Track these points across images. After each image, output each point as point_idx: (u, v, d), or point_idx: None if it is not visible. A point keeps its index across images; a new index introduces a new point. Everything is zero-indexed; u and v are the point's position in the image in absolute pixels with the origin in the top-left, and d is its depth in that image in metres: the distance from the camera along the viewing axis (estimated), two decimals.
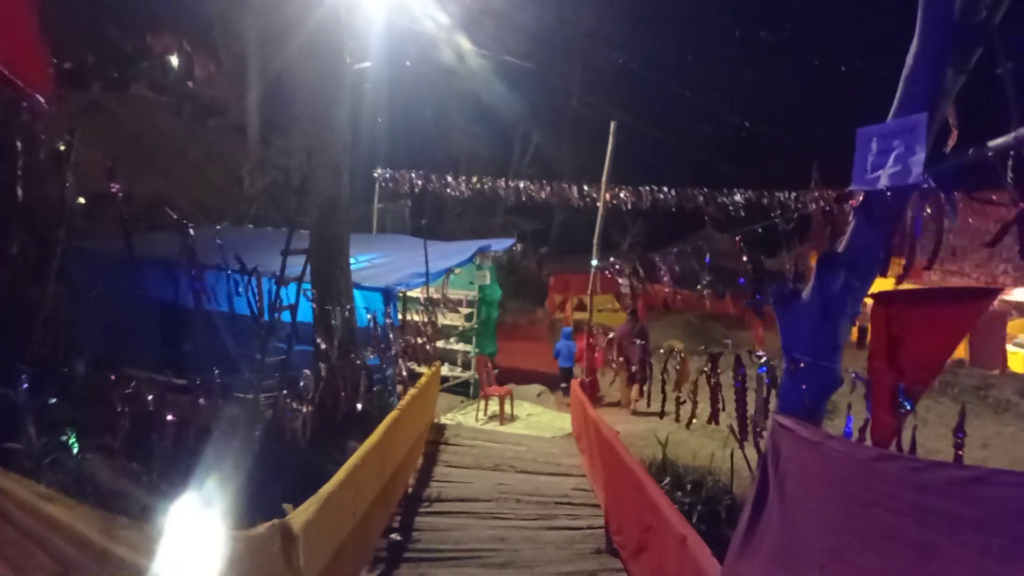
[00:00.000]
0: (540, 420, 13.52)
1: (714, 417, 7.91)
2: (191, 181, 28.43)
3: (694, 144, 36.00)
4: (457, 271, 13.63)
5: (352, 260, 13.81)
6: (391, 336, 10.82)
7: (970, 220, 25.40)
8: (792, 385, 4.06)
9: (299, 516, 4.15)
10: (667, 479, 8.99)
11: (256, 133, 30.42)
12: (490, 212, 37.97)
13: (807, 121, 41.21)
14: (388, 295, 11.89)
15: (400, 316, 12.06)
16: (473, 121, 35.97)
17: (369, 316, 11.33)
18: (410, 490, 8.38)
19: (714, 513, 8.66)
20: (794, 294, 4.17)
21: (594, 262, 10.30)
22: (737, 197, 21.39)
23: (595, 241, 10.36)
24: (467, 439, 10.36)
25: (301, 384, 9.61)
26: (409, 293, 12.54)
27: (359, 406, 9.27)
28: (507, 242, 14.82)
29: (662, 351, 23.07)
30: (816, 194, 26.29)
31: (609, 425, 7.54)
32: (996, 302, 23.90)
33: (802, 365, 3.99)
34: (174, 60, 32.93)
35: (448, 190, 18.86)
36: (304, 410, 9.88)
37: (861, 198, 4.00)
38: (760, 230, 8.06)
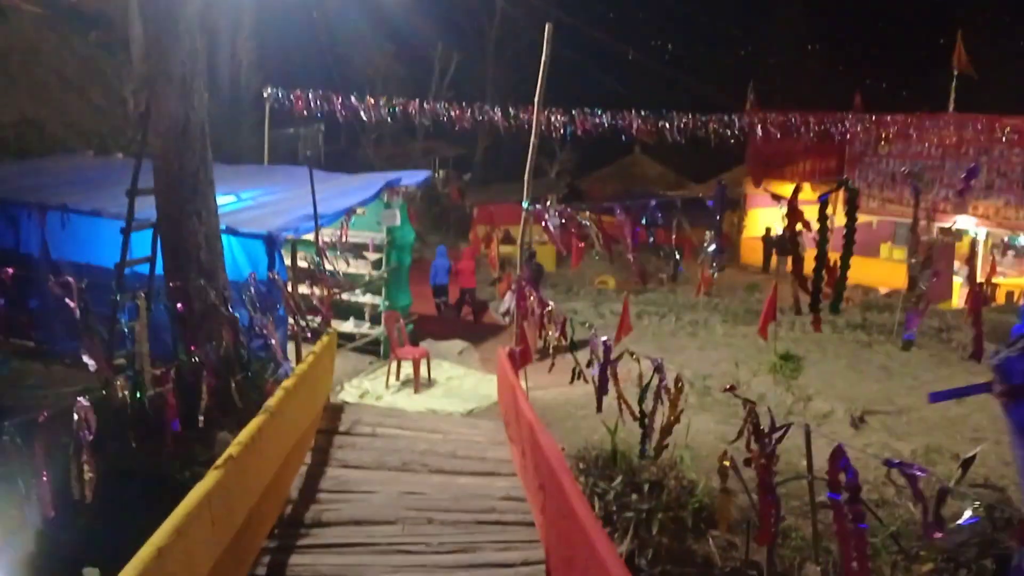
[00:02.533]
0: (462, 385, 11.58)
1: None
2: (67, 102, 25.08)
3: (626, 67, 33.90)
4: (360, 211, 11.39)
5: (232, 198, 11.44)
6: (279, 293, 8.65)
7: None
8: None
9: None
10: (619, 479, 7.20)
11: (142, 48, 26.87)
12: (408, 138, 35.29)
13: (740, 41, 39.51)
14: (272, 243, 9.64)
15: (288, 269, 9.84)
16: (386, 39, 33.00)
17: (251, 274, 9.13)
18: (289, 510, 6.37)
19: (678, 521, 6.93)
20: None
21: (525, 204, 8.23)
22: (673, 121, 19.54)
23: (526, 178, 8.28)
24: (369, 425, 8.34)
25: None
26: (305, 238, 10.31)
27: (233, 386, 7.18)
28: (420, 175, 12.57)
29: (596, 286, 21.58)
30: (750, 116, 24.70)
31: (549, 436, 5.61)
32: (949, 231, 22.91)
33: None
34: None
35: (359, 113, 16.36)
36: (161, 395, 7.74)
37: None
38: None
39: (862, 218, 22.81)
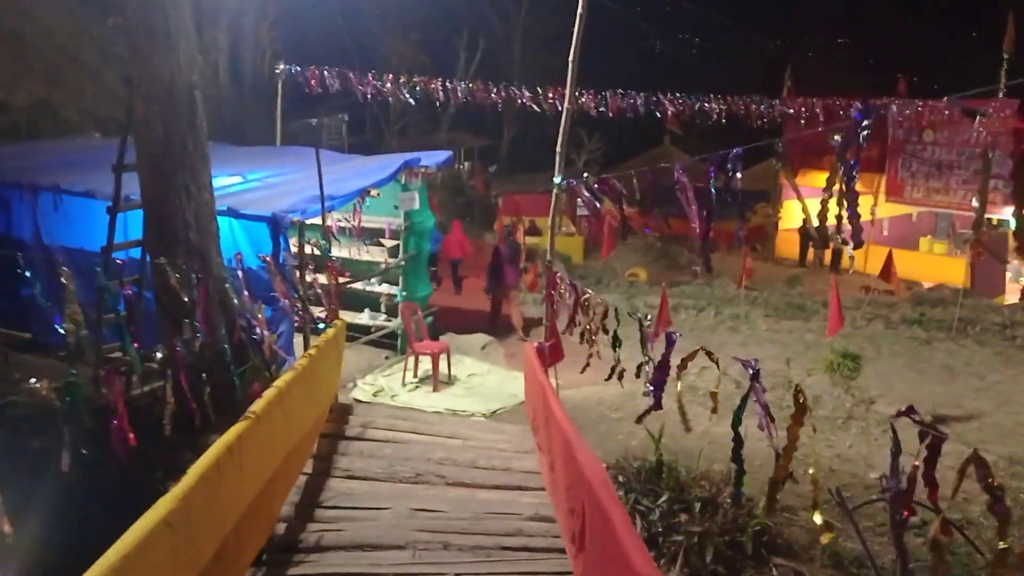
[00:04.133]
0: (485, 383, 10.62)
1: None
2: (83, 87, 24.42)
3: (657, 51, 32.75)
4: (374, 192, 10.44)
5: (238, 179, 10.57)
6: (281, 281, 7.72)
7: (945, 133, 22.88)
8: None
9: None
10: (664, 497, 6.20)
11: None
12: (432, 128, 34.42)
13: (776, 28, 38.13)
14: (276, 226, 8.74)
15: (295, 253, 8.92)
16: (412, 27, 32.19)
17: (255, 257, 8.27)
18: (281, 530, 5.45)
19: (736, 547, 5.92)
20: None
21: (557, 179, 7.24)
22: (709, 104, 18.42)
23: (558, 150, 7.28)
24: (381, 427, 7.41)
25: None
26: (314, 222, 9.39)
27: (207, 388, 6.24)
28: (441, 155, 11.57)
29: (627, 279, 20.53)
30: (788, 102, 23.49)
31: (589, 451, 4.61)
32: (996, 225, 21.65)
33: None
34: None
35: (376, 95, 15.41)
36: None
37: None
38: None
39: (902, 209, 21.63)
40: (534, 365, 7.07)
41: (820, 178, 17.71)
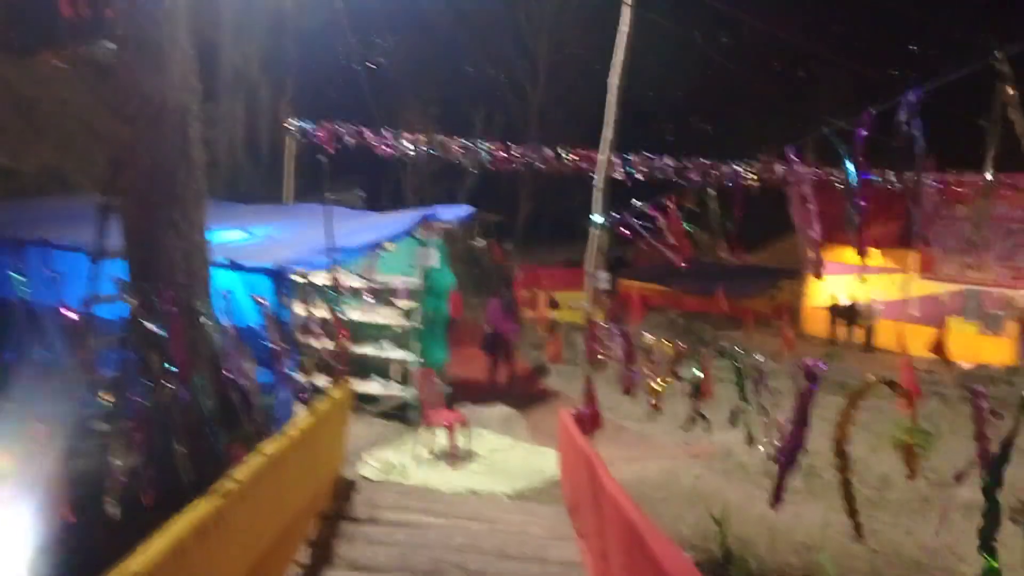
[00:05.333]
0: (508, 459, 9.52)
1: None
2: (93, 153, 24.13)
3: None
4: (389, 246, 9.56)
5: (242, 233, 9.76)
6: (282, 340, 6.80)
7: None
8: None
9: None
10: None
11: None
12: (448, 202, 33.94)
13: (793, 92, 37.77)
14: (279, 279, 7.84)
15: (299, 310, 8.00)
16: (431, 103, 32.23)
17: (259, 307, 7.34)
18: None
19: None
20: None
21: (597, 217, 6.35)
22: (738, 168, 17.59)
23: (597, 185, 6.41)
24: (391, 507, 6.34)
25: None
26: (317, 279, 8.49)
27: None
28: (462, 209, 10.76)
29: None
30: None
31: (665, 539, 3.55)
32: None
33: None
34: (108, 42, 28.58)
35: (394, 154, 14.71)
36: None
37: None
38: None
39: (932, 287, 20.59)
40: (573, 434, 6.04)
41: (846, 253, 16.74)
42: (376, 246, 9.28)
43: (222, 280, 7.20)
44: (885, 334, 21.71)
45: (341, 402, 6.54)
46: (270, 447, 4.60)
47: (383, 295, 10.22)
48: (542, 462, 9.11)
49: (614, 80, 6.39)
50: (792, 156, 4.53)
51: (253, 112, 26.23)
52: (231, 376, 5.55)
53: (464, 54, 30.69)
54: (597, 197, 6.42)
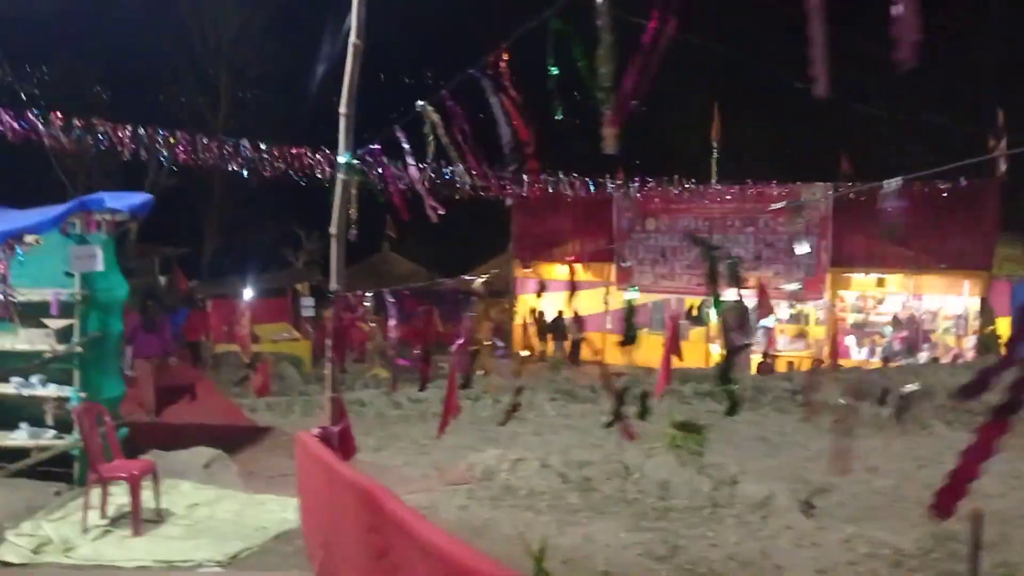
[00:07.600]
0: (215, 515, 7.25)
1: None
2: None
3: None
4: (32, 239, 6.95)
5: None
6: None
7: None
8: None
9: None
10: None
11: None
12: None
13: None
14: None
15: None
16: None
17: None
18: None
19: None
20: None
21: (342, 157, 4.61)
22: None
23: (342, 111, 4.70)
24: None
25: None
26: None
27: None
28: (136, 197, 8.27)
29: (371, 377, 17.81)
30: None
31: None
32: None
33: None
34: None
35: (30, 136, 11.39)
36: None
37: None
38: None
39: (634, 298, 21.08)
40: (326, 461, 4.16)
41: (553, 270, 16.65)
42: (9, 240, 6.66)
43: None
44: (590, 346, 22.04)
45: None
46: None
47: (25, 312, 7.48)
48: (262, 515, 7.05)
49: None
50: None
51: None
52: None
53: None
54: (344, 123, 4.68)
